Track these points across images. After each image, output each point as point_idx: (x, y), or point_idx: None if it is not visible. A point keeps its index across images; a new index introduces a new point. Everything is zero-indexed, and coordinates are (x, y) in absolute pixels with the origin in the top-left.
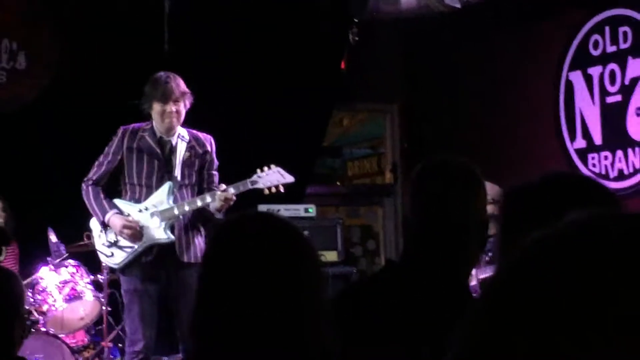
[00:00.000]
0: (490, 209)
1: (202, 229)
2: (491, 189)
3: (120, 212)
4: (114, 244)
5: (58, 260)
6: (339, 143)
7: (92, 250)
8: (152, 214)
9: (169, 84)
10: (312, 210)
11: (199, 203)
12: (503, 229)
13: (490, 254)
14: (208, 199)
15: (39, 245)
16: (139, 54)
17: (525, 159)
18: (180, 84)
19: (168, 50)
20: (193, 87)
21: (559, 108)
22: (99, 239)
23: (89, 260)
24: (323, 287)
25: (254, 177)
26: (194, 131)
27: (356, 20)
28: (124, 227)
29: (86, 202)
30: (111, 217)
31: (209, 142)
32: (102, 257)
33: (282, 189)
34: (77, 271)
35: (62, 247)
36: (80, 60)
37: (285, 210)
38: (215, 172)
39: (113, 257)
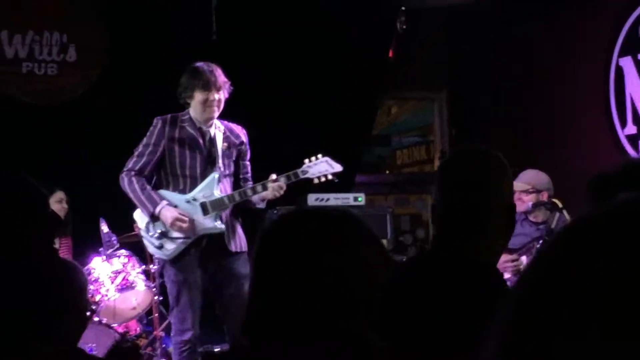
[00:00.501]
0: (533, 197)
1: (240, 219)
2: (537, 177)
3: (170, 204)
4: (164, 235)
5: (110, 250)
6: (387, 132)
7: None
8: (202, 205)
9: (213, 73)
10: (361, 199)
11: (250, 193)
12: None
13: (541, 241)
14: (259, 188)
15: (91, 236)
16: (187, 45)
17: (574, 146)
18: (221, 74)
19: (216, 40)
20: (241, 77)
21: (609, 94)
22: (147, 231)
23: (140, 250)
24: (377, 276)
25: (304, 167)
26: (227, 122)
27: (403, 9)
28: (176, 219)
29: (130, 193)
30: (162, 209)
31: (243, 133)
32: (150, 249)
33: (331, 178)
34: (129, 261)
35: (114, 238)
36: (129, 52)
37: (335, 199)
38: (248, 163)
39: (163, 248)
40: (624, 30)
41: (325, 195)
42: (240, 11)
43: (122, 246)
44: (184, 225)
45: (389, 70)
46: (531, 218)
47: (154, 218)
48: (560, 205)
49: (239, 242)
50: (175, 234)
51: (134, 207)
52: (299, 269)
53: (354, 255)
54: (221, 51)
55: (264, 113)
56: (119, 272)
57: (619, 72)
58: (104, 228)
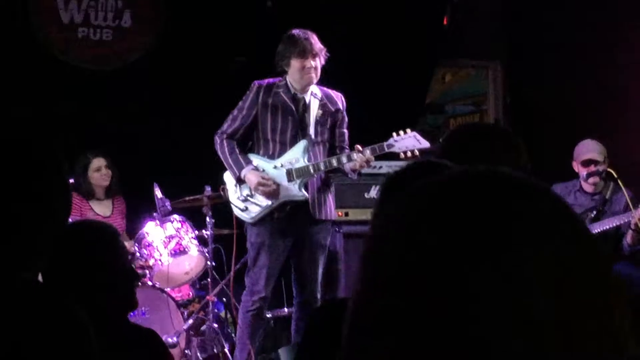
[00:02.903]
0: (591, 168)
1: (332, 188)
2: (595, 147)
3: (256, 168)
4: (248, 199)
5: (163, 215)
6: (441, 100)
7: (197, 205)
8: (288, 171)
9: (308, 39)
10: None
11: (335, 163)
12: None
13: (594, 212)
14: (344, 159)
15: (145, 200)
16: (241, 11)
17: (631, 115)
18: (317, 40)
19: (271, 7)
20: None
21: None
22: (234, 193)
23: (194, 215)
24: None
25: (390, 141)
26: (326, 89)
27: None
28: (260, 184)
29: (220, 155)
30: (247, 173)
31: (341, 99)
32: (235, 211)
33: (417, 154)
34: (182, 226)
35: (168, 203)
36: (183, 19)
37: (387, 167)
38: (345, 130)
39: (247, 211)
40: None
41: (378, 163)
42: None
43: (176, 211)
44: (268, 189)
45: (443, 38)
46: (586, 188)
47: (240, 181)
48: (614, 175)
49: (326, 210)
50: (259, 199)
51: (206, 169)
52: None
53: None
54: (275, 19)
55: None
56: (173, 237)
57: None
58: (158, 193)
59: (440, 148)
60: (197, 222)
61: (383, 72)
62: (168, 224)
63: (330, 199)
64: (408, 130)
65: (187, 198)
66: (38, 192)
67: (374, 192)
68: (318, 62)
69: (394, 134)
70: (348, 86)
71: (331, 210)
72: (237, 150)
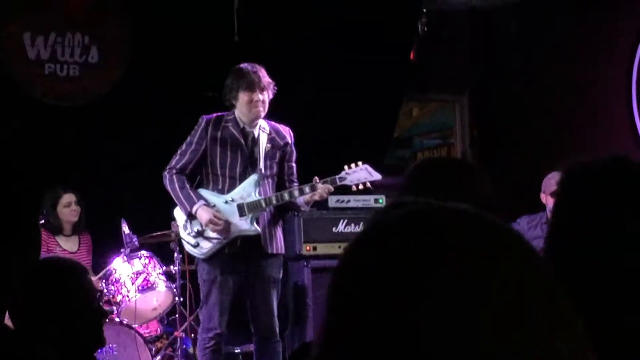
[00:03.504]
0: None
1: (280, 222)
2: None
3: (207, 204)
4: (200, 234)
5: (131, 251)
6: (409, 134)
7: (164, 241)
8: (239, 206)
9: (257, 73)
10: (382, 201)
11: (287, 197)
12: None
13: None
14: (296, 193)
15: (111, 236)
16: (209, 46)
17: (598, 147)
18: (265, 74)
19: (238, 41)
20: None
21: (631, 94)
22: (184, 229)
23: (162, 251)
24: None
25: (342, 174)
26: (273, 122)
27: (425, 11)
28: (211, 221)
29: (170, 191)
30: (199, 209)
31: (289, 133)
32: (186, 247)
33: (368, 186)
34: (150, 262)
35: (135, 238)
36: (151, 53)
37: (355, 200)
38: (294, 164)
39: (199, 246)
40: None
41: (346, 197)
42: (261, 13)
43: (143, 247)
44: (219, 227)
45: (411, 72)
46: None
47: (191, 217)
48: None
49: (277, 244)
50: (211, 234)
51: (162, 207)
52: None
53: None
54: (243, 52)
55: (284, 115)
56: (140, 273)
57: None
58: (125, 229)
59: (403, 182)
60: (164, 257)
61: (351, 106)
62: (135, 260)
63: (280, 233)
64: (359, 163)
65: (154, 234)
66: (12, 229)
67: (342, 226)
68: (266, 96)
69: (346, 167)
70: (316, 120)
71: (281, 244)
72: (188, 186)
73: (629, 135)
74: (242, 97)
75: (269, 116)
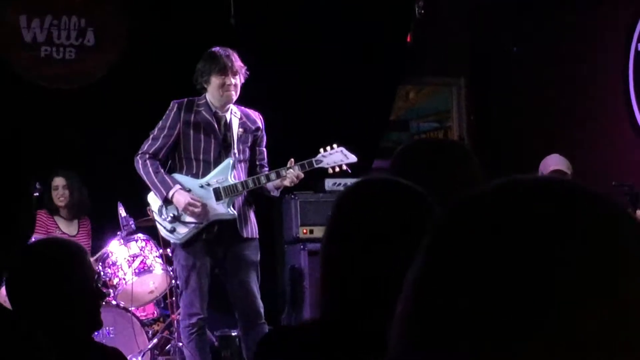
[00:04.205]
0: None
1: (254, 206)
2: (559, 162)
3: (183, 188)
4: (176, 219)
5: (128, 234)
6: (405, 117)
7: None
8: (216, 190)
9: (229, 57)
10: None
11: (263, 180)
12: None
13: None
14: (273, 176)
15: (109, 219)
16: (205, 29)
17: (594, 132)
18: (237, 58)
19: (234, 24)
20: (258, 62)
21: (628, 79)
22: (160, 214)
23: (158, 234)
24: None
25: (319, 157)
26: (243, 107)
27: None
28: (189, 204)
29: (144, 176)
30: (175, 193)
31: (259, 118)
32: (162, 232)
33: (345, 168)
34: (147, 245)
35: (132, 221)
36: (147, 36)
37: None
38: (264, 149)
39: (175, 232)
40: None
41: (342, 180)
42: None
43: (140, 230)
44: (197, 210)
45: (408, 56)
46: None
47: (166, 202)
48: None
49: (251, 228)
50: (188, 219)
51: (149, 190)
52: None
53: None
54: (239, 35)
55: (282, 99)
56: (137, 256)
57: (638, 58)
58: (122, 212)
59: (393, 163)
60: (161, 240)
61: (347, 89)
62: (132, 243)
63: (253, 217)
64: (335, 146)
65: (151, 217)
66: (3, 210)
67: None
68: (238, 80)
69: (322, 149)
70: (312, 103)
71: (255, 228)
72: (162, 170)
73: (625, 120)
74: (215, 80)
75: (264, 99)
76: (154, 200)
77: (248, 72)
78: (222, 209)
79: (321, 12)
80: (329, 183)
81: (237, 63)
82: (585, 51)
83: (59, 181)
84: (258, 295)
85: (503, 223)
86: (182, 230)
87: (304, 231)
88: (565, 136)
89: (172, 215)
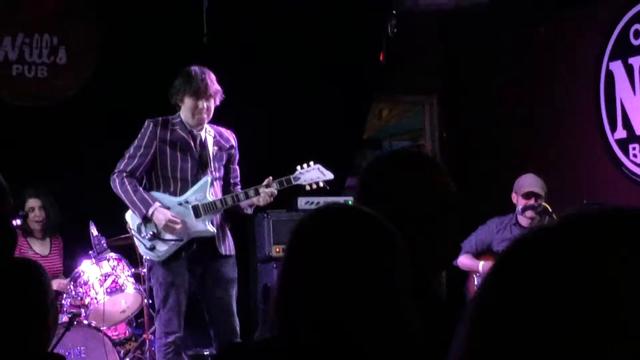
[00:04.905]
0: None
1: (230, 223)
2: (533, 182)
3: (163, 205)
4: (156, 237)
5: (99, 253)
6: (378, 135)
7: (132, 243)
8: (194, 208)
9: (204, 81)
10: (351, 202)
11: (242, 197)
12: None
13: None
14: (252, 193)
15: (80, 239)
16: (178, 47)
17: (565, 150)
18: (214, 81)
19: (207, 43)
20: (232, 79)
21: (600, 98)
22: (139, 232)
23: (130, 253)
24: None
25: (296, 174)
26: (216, 126)
27: (395, 12)
28: (170, 221)
29: (122, 194)
30: (155, 211)
31: (232, 137)
32: (141, 250)
33: (322, 186)
34: (118, 264)
35: (103, 241)
36: (120, 54)
37: (325, 202)
38: (237, 167)
39: (155, 249)
40: (614, 35)
41: (315, 199)
42: (231, 13)
43: (112, 249)
44: (177, 226)
45: (380, 74)
46: (522, 222)
47: (146, 220)
48: (550, 209)
49: (229, 245)
50: (168, 236)
51: (125, 209)
52: (329, 267)
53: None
54: (212, 53)
55: (255, 116)
56: (109, 275)
57: (610, 76)
58: (94, 231)
59: (361, 181)
60: (133, 260)
61: (320, 107)
62: (104, 262)
63: (229, 234)
64: (312, 163)
65: (123, 236)
66: None
67: None
68: (212, 103)
69: (299, 167)
70: (285, 121)
71: (232, 245)
72: (141, 189)
73: (596, 137)
74: (187, 101)
75: (236, 117)
76: (132, 218)
77: (224, 96)
78: (201, 227)
79: (294, 30)
80: (301, 201)
81: (213, 87)
82: (557, 69)
83: (33, 202)
84: (235, 314)
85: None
86: (162, 248)
87: (277, 250)
88: (538, 154)
89: (151, 233)
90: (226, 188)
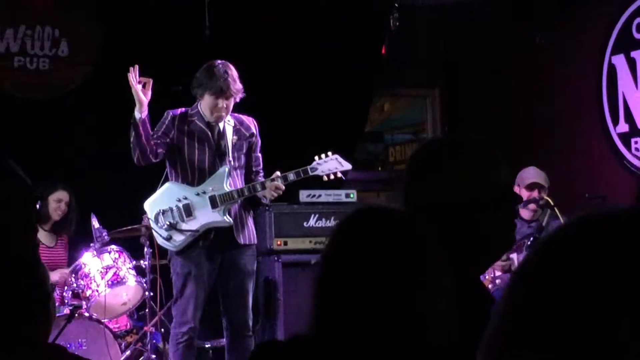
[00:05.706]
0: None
1: (251, 212)
2: (536, 175)
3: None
4: (172, 227)
5: (101, 245)
6: (380, 129)
7: (134, 236)
8: (212, 198)
9: (226, 80)
10: (353, 195)
11: (259, 188)
12: None
13: (532, 239)
14: (268, 183)
15: (82, 231)
16: (179, 40)
17: (567, 144)
18: (236, 79)
19: (209, 35)
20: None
21: (602, 92)
22: (156, 222)
23: (132, 245)
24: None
25: (314, 164)
26: (237, 114)
27: (397, 5)
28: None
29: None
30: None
31: (253, 124)
32: (159, 240)
33: (340, 176)
34: (120, 256)
35: (105, 233)
36: (121, 46)
37: (327, 195)
38: (260, 154)
39: (171, 239)
40: (617, 28)
41: (317, 192)
42: (233, 6)
43: (113, 241)
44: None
45: (382, 67)
46: (523, 215)
47: (162, 211)
48: (551, 202)
49: (248, 234)
50: (184, 226)
51: (125, 202)
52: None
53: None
54: (213, 46)
55: (256, 109)
56: (110, 268)
57: (612, 70)
58: (95, 223)
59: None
60: (134, 252)
61: (322, 100)
62: (105, 255)
63: (251, 223)
64: (329, 153)
65: (124, 228)
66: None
67: (313, 221)
68: (232, 102)
69: (316, 157)
70: (287, 114)
71: (253, 234)
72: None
73: (599, 131)
74: (207, 98)
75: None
76: (150, 207)
77: (244, 94)
78: (218, 217)
79: (296, 23)
80: (303, 195)
81: (235, 87)
82: (560, 62)
83: (62, 195)
84: (249, 306)
85: None
86: (179, 238)
87: (278, 243)
88: (540, 148)
89: (168, 222)
90: (248, 177)
